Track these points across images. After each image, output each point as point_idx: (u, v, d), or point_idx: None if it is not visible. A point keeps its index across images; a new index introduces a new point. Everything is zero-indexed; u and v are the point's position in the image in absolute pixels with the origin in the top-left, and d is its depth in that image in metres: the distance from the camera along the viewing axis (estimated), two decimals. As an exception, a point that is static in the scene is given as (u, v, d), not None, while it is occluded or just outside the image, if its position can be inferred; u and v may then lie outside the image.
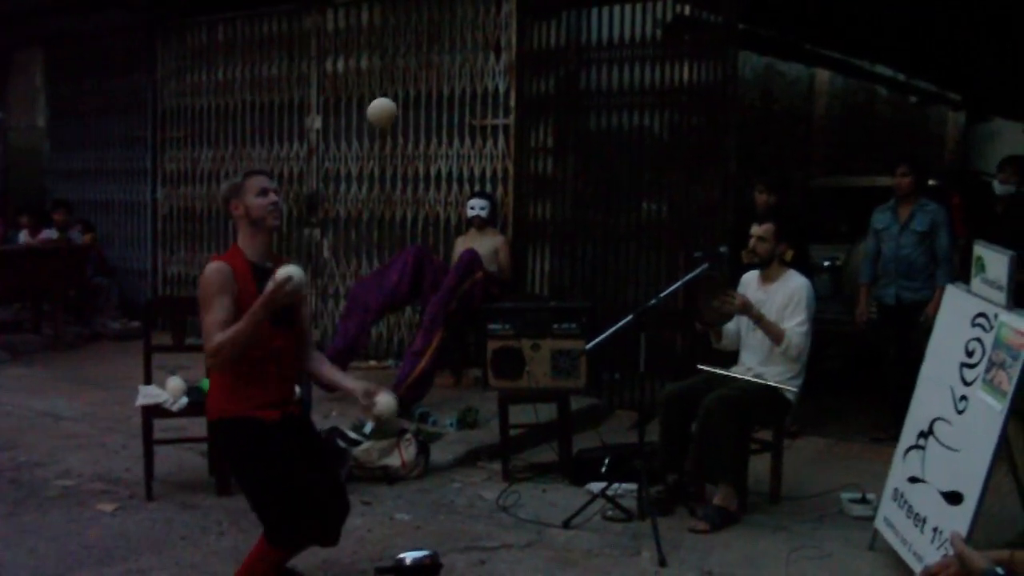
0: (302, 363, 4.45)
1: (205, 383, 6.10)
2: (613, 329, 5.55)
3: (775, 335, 5.71)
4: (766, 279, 5.97)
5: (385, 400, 4.25)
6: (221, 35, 11.05)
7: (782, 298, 5.82)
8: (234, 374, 4.14)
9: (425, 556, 4.66)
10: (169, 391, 5.94)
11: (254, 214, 4.20)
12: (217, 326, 4.01)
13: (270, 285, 3.94)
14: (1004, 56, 11.16)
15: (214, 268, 4.11)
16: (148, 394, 5.97)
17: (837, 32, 10.30)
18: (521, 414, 6.71)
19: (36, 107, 13.60)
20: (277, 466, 4.12)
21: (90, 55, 12.52)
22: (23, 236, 11.44)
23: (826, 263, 9.25)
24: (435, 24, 9.42)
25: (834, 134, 14.92)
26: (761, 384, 5.71)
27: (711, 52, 8.00)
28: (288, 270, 3.96)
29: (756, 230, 5.94)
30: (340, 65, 10.05)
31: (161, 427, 6.11)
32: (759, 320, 5.72)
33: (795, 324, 5.73)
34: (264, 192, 4.21)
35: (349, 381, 4.41)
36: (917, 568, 4.52)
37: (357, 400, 4.27)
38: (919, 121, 17.15)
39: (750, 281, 6.06)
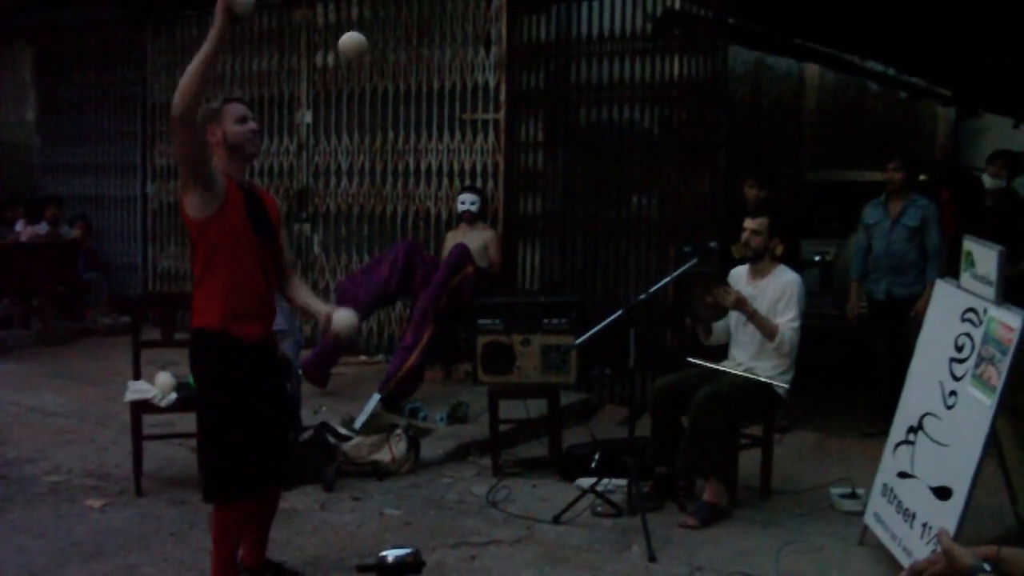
0: (281, 286, 4.48)
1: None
2: (603, 324, 5.55)
3: (768, 331, 5.70)
4: (757, 274, 5.96)
5: (341, 315, 4.28)
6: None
7: (773, 293, 5.82)
8: (223, 280, 4.14)
9: (408, 554, 4.64)
10: (158, 387, 5.91)
11: (232, 140, 4.17)
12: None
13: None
14: (994, 52, 11.18)
15: None
16: (137, 390, 5.95)
17: (827, 27, 10.30)
18: (511, 409, 6.71)
19: (26, 102, 13.55)
20: (238, 405, 4.15)
21: (80, 49, 12.47)
22: (20, 226, 11.41)
23: (816, 258, 9.26)
24: (425, 18, 9.40)
25: (824, 129, 14.94)
26: (752, 379, 5.71)
27: (701, 46, 7.99)
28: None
29: (750, 224, 5.93)
30: (330, 59, 10.02)
31: (150, 423, 6.10)
32: (752, 316, 5.71)
33: (788, 320, 5.73)
34: (243, 119, 4.19)
35: (317, 304, 4.44)
36: (906, 563, 4.53)
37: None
38: (909, 116, 17.19)
39: (739, 276, 6.05)
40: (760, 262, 5.94)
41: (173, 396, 5.90)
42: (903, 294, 7.33)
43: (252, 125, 4.23)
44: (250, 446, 4.17)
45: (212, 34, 3.90)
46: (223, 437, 4.20)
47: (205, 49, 3.88)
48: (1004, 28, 9.59)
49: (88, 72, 12.40)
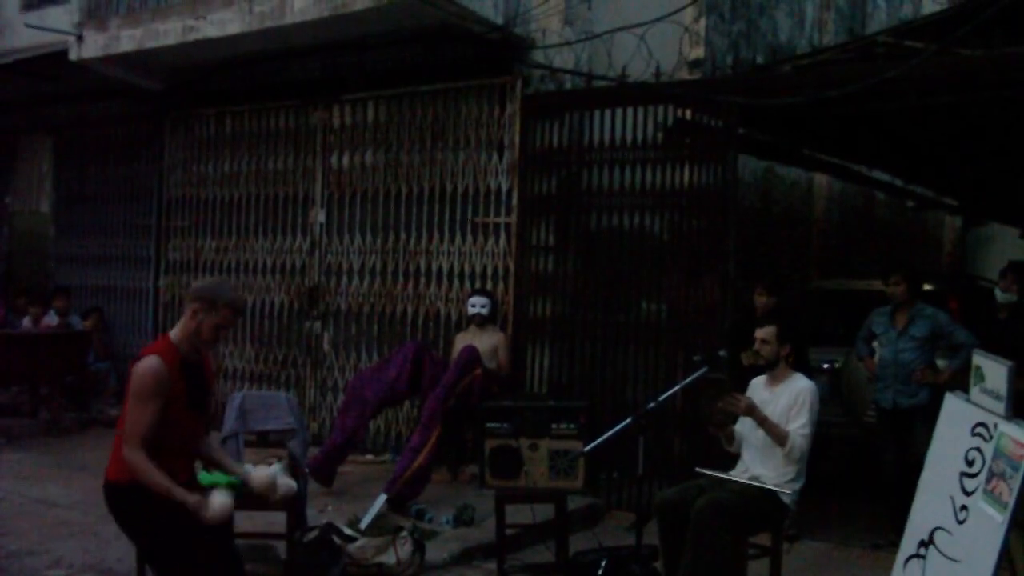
0: (197, 447, 4.54)
1: (202, 476, 6.08)
2: (611, 432, 5.54)
3: (779, 437, 5.69)
4: (773, 381, 5.98)
5: (258, 476, 4.40)
6: (228, 127, 11.21)
7: (787, 400, 5.82)
8: (148, 449, 4.17)
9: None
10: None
11: (205, 336, 4.32)
12: (146, 430, 4.12)
13: (212, 506, 4.13)
14: (999, 164, 11.33)
15: (154, 368, 4.19)
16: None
17: (835, 139, 10.46)
18: (518, 513, 6.66)
19: (42, 192, 13.73)
20: (187, 535, 4.17)
21: (98, 143, 12.71)
22: (26, 322, 11.48)
23: (824, 365, 9.25)
24: (440, 122, 9.57)
25: (833, 237, 15.02)
26: (756, 487, 5.68)
27: (711, 155, 8.13)
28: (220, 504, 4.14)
29: (760, 333, 5.97)
30: (345, 160, 10.20)
31: (155, 519, 6.06)
32: (763, 422, 5.71)
33: (798, 426, 5.72)
34: (225, 327, 4.35)
35: (231, 465, 4.60)
36: None
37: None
38: (917, 225, 17.29)
39: (758, 384, 6.07)
40: (775, 369, 5.97)
41: (180, 493, 5.87)
42: (909, 403, 7.34)
43: (225, 331, 4.40)
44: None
45: (185, 501, 4.10)
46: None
47: (174, 495, 4.09)
48: (1008, 140, 9.73)
49: (106, 165, 12.62)
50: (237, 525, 5.67)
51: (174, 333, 4.34)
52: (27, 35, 11.34)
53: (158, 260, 11.97)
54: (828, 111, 8.13)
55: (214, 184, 11.33)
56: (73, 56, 10.66)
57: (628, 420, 5.53)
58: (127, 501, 4.25)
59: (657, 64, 8.34)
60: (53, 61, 11.20)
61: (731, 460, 6.10)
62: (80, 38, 10.57)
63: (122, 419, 4.25)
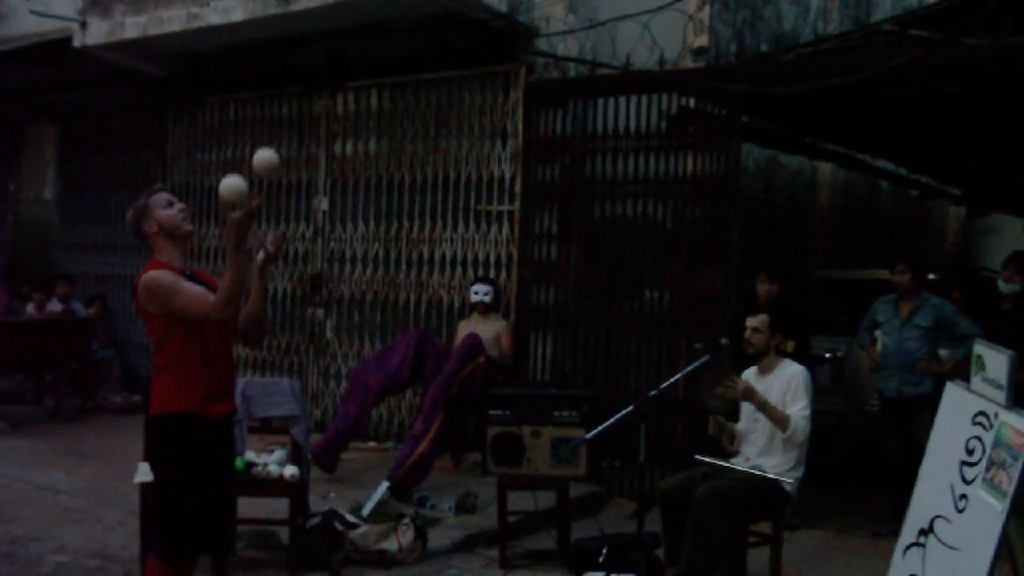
0: (247, 332, 4.49)
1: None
2: (613, 420, 5.54)
3: (780, 421, 5.69)
4: (763, 371, 5.98)
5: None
6: (232, 115, 11.20)
7: (780, 386, 5.83)
8: (194, 365, 4.23)
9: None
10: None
11: (168, 225, 4.34)
12: (203, 294, 4.16)
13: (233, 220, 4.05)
14: (1003, 154, 11.32)
15: (158, 271, 4.25)
16: (147, 471, 5.92)
17: (839, 127, 10.45)
18: (520, 500, 6.68)
19: (46, 180, 13.75)
20: (201, 480, 4.22)
21: (102, 131, 12.71)
22: (31, 308, 11.51)
23: (827, 354, 9.25)
24: (443, 110, 9.56)
25: (836, 226, 15.00)
26: (758, 475, 5.68)
27: (715, 144, 8.12)
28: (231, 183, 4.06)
29: (751, 321, 5.98)
30: (348, 148, 10.19)
31: (158, 505, 6.09)
32: (763, 406, 5.70)
33: (798, 409, 5.72)
34: (170, 204, 4.37)
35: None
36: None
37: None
38: (920, 214, 17.27)
39: (749, 375, 6.07)
40: (764, 359, 5.96)
41: (183, 479, 5.89)
42: (913, 393, 7.34)
43: (180, 206, 4.41)
44: (204, 513, 4.27)
45: (233, 250, 4.09)
46: (184, 507, 4.25)
47: (234, 261, 4.09)
48: (1013, 130, 9.72)
49: (110, 153, 12.62)
50: (241, 512, 5.72)
51: (158, 256, 4.36)
52: (31, 22, 11.31)
53: (162, 248, 11.93)
54: (832, 100, 8.12)
55: (218, 171, 11.29)
56: (77, 43, 10.63)
57: (630, 408, 5.53)
58: (162, 431, 4.28)
59: (661, 52, 8.34)
60: (57, 48, 11.17)
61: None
62: (84, 25, 10.55)
63: (158, 352, 4.29)
